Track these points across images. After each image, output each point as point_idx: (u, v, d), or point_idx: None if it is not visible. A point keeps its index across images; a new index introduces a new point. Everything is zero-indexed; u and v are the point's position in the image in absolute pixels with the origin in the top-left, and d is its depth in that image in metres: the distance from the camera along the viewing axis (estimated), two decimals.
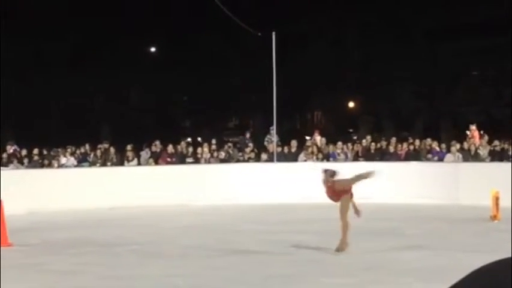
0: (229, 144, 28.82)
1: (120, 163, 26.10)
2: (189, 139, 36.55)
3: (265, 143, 28.45)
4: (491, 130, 29.05)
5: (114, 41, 39.23)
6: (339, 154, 26.47)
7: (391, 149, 26.38)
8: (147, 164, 26.33)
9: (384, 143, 27.42)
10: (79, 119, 40.30)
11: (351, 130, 45.89)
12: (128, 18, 39.42)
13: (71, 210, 22.07)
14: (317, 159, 26.38)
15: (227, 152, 27.34)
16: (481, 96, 39.80)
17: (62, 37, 38.68)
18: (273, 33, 26.92)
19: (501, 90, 39.39)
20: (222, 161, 26.81)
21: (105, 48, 39.25)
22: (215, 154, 26.93)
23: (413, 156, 25.84)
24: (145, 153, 26.98)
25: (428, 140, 27.08)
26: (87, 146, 26.87)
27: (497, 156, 25.23)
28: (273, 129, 27.61)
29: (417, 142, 26.97)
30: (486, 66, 40.28)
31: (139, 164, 26.28)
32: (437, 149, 26.14)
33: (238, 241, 16.20)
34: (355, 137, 37.33)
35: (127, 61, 39.65)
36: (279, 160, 26.45)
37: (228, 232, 17.85)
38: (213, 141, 28.14)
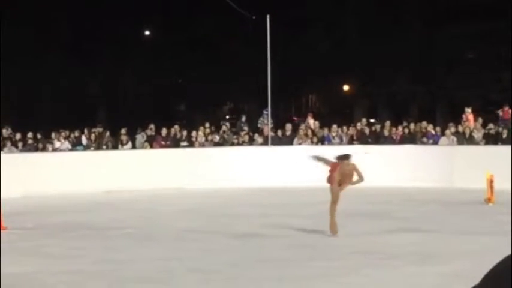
0: (224, 127, 28.79)
1: (114, 147, 26.12)
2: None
3: (259, 124, 28.53)
4: (488, 114, 29.02)
5: (109, 24, 39.09)
6: (333, 137, 26.48)
7: (386, 132, 26.39)
8: (142, 147, 26.35)
9: (378, 126, 27.44)
10: (74, 103, 40.19)
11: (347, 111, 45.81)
12: (123, 2, 39.29)
13: (65, 194, 22.05)
14: (311, 142, 26.40)
15: (222, 136, 27.37)
16: (478, 80, 39.70)
17: (58, 21, 38.56)
18: (268, 16, 26.88)
19: (499, 74, 39.29)
20: (217, 144, 26.83)
21: (100, 31, 39.11)
22: (210, 137, 26.96)
23: (409, 139, 25.85)
24: (141, 137, 26.98)
25: (424, 123, 27.09)
26: (85, 131, 26.87)
27: (491, 139, 25.28)
28: (267, 113, 27.61)
29: (412, 126, 26.99)
30: (483, 50, 40.14)
31: (133, 147, 26.31)
32: (433, 132, 26.14)
33: (233, 224, 16.23)
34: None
35: (122, 44, 39.56)
36: (273, 144, 26.47)
37: (223, 215, 17.88)
38: (207, 124, 28.13)
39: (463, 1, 37.61)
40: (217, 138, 27.12)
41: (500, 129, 25.67)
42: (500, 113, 27.45)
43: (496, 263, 1.21)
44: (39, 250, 13.21)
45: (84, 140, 26.51)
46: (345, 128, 27.33)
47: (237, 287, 10.45)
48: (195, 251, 12.89)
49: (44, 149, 25.53)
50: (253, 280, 10.63)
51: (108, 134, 26.73)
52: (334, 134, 26.60)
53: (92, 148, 26.04)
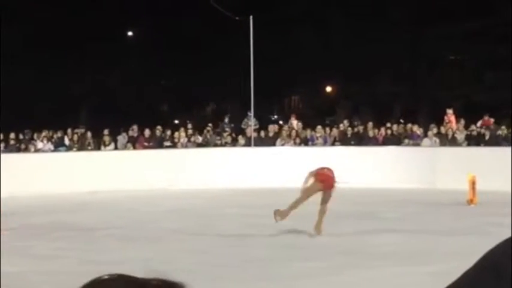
0: (208, 128, 28.80)
1: (97, 148, 26.11)
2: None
3: (243, 125, 28.58)
4: (471, 115, 29.17)
5: (92, 25, 38.99)
6: (317, 138, 26.54)
7: (370, 133, 26.48)
8: (125, 148, 26.34)
9: (360, 128, 27.54)
10: (56, 104, 40.04)
11: (328, 120, 45.92)
12: (106, 2, 39.22)
13: (49, 195, 22.00)
14: (295, 143, 26.46)
15: (204, 137, 27.39)
16: (461, 80, 39.87)
17: (40, 21, 38.39)
18: (251, 18, 26.94)
19: (482, 75, 39.48)
20: (199, 145, 26.87)
21: (84, 32, 38.99)
22: (192, 138, 26.98)
23: (391, 140, 25.96)
24: (122, 138, 26.96)
25: (409, 125, 27.22)
26: (69, 131, 26.82)
27: (473, 140, 25.43)
28: (251, 114, 27.68)
29: (395, 127, 27.10)
30: (466, 50, 40.30)
31: (116, 148, 26.31)
32: (418, 132, 26.24)
33: (216, 225, 16.27)
34: (328, 122, 37.49)
35: (105, 45, 39.45)
36: (256, 145, 26.51)
37: (206, 216, 17.89)
38: (189, 125, 28.16)
39: (447, 1, 37.70)
40: (199, 139, 27.15)
41: (483, 130, 25.84)
42: (479, 124, 27.39)
43: (492, 248, 1.19)
44: (23, 251, 13.19)
45: (66, 141, 26.48)
46: (328, 129, 27.43)
47: (222, 287, 10.49)
48: (179, 252, 12.91)
49: (26, 150, 25.48)
50: (238, 280, 10.67)
51: (90, 135, 26.70)
52: (318, 135, 26.67)
53: (75, 149, 26.02)
